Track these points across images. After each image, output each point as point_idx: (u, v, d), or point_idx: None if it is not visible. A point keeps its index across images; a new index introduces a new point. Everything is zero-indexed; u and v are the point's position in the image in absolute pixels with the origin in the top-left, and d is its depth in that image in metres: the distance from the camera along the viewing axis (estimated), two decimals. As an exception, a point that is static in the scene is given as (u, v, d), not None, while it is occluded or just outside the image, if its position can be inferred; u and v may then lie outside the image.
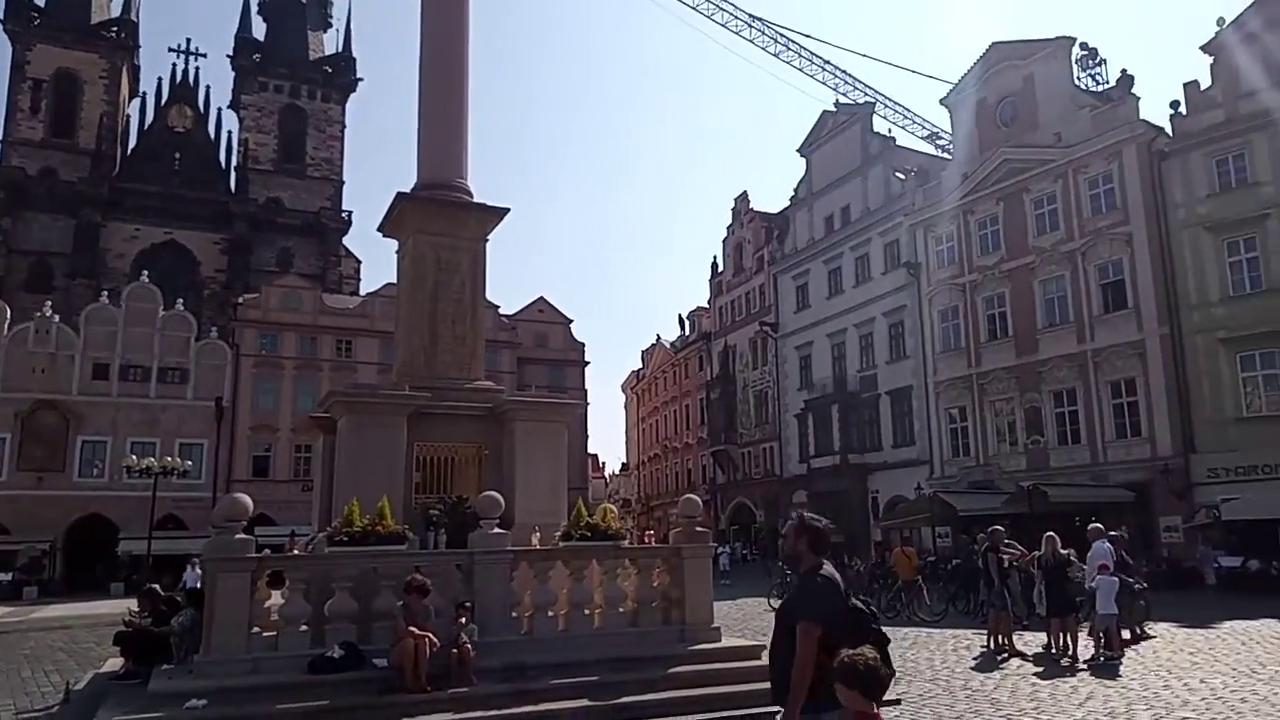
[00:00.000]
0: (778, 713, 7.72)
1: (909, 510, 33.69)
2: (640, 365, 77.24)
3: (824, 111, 45.87)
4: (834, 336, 43.16)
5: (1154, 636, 13.91)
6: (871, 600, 20.32)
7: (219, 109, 70.01)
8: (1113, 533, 14.48)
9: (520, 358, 57.41)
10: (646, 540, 24.74)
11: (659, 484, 66.19)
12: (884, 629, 4.21)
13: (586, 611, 9.39)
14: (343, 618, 8.42)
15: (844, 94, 46.98)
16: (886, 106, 46.85)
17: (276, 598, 8.85)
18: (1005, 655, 12.35)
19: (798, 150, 46.80)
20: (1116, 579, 12.61)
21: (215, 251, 64.56)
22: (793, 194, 47.76)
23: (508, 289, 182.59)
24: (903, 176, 40.29)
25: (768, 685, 9.04)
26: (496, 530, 9.11)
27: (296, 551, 13.33)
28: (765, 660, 9.77)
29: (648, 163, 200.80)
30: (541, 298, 62.53)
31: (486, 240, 12.05)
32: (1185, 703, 8.71)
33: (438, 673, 7.90)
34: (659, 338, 70.84)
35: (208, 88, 71.45)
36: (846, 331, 42.25)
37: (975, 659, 12.15)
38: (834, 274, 43.79)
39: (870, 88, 48.46)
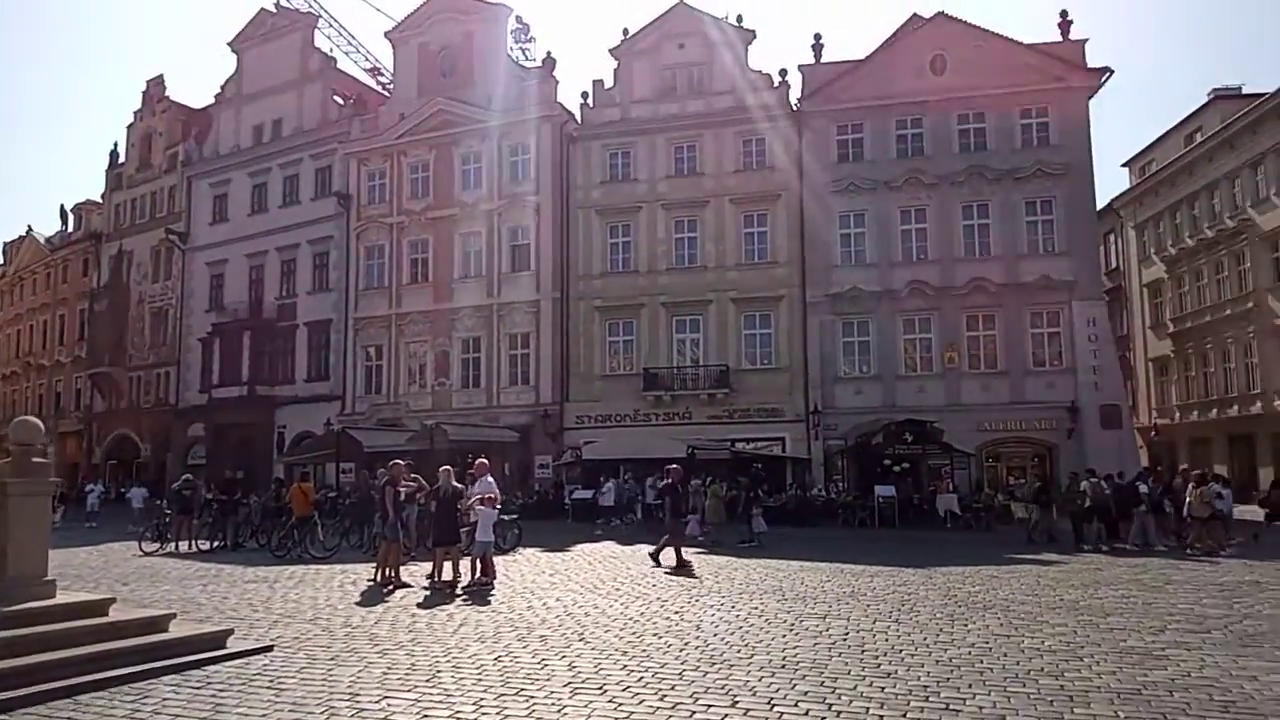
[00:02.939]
0: (139, 674, 6.74)
1: (315, 446, 33.08)
2: (1, 261, 62.04)
3: (262, 9, 41.88)
4: (254, 258, 40.04)
5: (689, 563, 14.77)
6: (264, 538, 19.39)
7: None
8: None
9: None
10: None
11: (16, 408, 54.06)
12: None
13: None
14: None
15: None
16: (331, 27, 44.59)
17: None
18: (391, 587, 12.78)
19: (229, 44, 41.98)
20: (495, 510, 14.04)
21: None
22: (219, 91, 42.75)
23: None
24: (341, 102, 38.98)
25: (113, 645, 7.97)
26: None
27: None
28: (112, 616, 8.62)
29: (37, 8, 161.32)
30: None
31: None
32: (544, 621, 9.96)
33: None
34: (30, 230, 57.74)
35: None
36: (268, 254, 39.54)
37: (361, 594, 12.34)
38: (259, 189, 40.53)
39: (317, 1, 45.54)
